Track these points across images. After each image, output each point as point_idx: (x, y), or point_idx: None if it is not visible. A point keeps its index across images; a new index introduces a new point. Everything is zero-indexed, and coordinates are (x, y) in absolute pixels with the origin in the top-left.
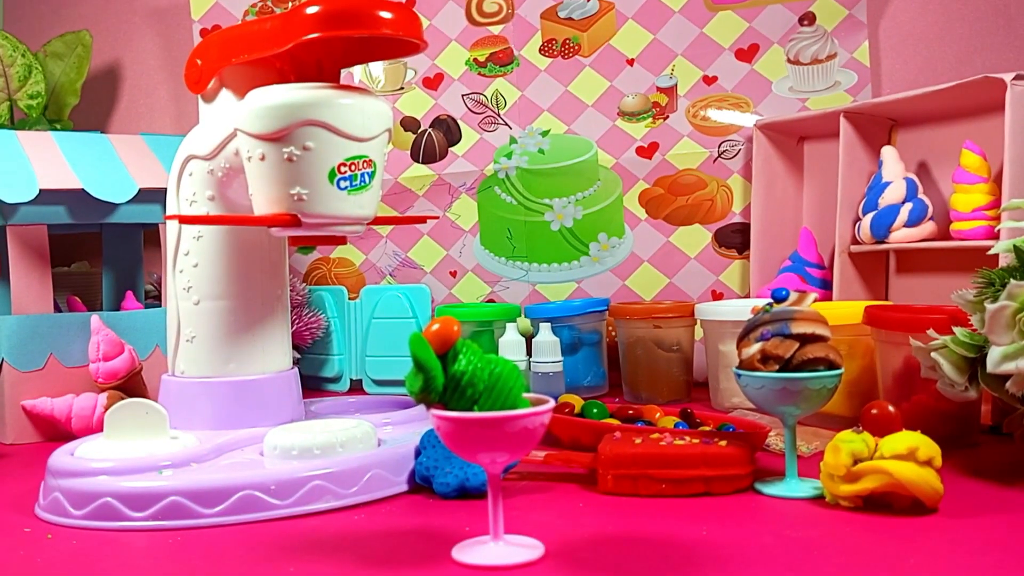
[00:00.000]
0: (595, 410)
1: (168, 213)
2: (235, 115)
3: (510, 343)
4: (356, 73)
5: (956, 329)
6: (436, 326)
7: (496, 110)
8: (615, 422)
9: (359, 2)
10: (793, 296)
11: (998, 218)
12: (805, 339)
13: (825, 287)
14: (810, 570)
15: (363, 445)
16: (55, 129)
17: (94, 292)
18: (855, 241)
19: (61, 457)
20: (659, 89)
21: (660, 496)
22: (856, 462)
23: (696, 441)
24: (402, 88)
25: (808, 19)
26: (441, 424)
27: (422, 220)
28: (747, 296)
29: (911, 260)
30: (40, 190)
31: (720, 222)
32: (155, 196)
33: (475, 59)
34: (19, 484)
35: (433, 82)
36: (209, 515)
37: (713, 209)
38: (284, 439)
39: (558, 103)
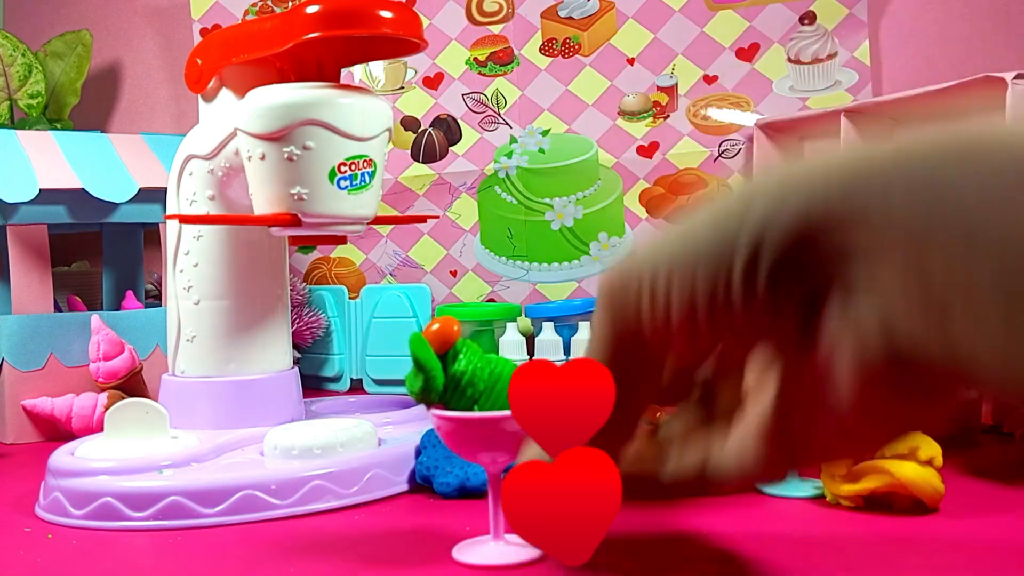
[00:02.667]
0: None
1: (168, 213)
2: (235, 115)
3: (510, 343)
4: (356, 73)
5: None
6: (436, 326)
7: (496, 109)
8: None
9: (359, 2)
10: None
11: None
12: None
13: None
14: (810, 570)
15: (363, 445)
16: (55, 129)
17: (94, 292)
18: None
19: (61, 457)
20: (659, 88)
21: None
22: (856, 462)
23: None
24: (402, 87)
25: (809, 18)
26: (441, 424)
27: (422, 220)
28: None
29: None
30: (40, 190)
31: None
32: (155, 196)
33: (475, 58)
34: (19, 484)
35: (433, 81)
36: (209, 515)
37: None
38: (284, 439)
39: (558, 102)
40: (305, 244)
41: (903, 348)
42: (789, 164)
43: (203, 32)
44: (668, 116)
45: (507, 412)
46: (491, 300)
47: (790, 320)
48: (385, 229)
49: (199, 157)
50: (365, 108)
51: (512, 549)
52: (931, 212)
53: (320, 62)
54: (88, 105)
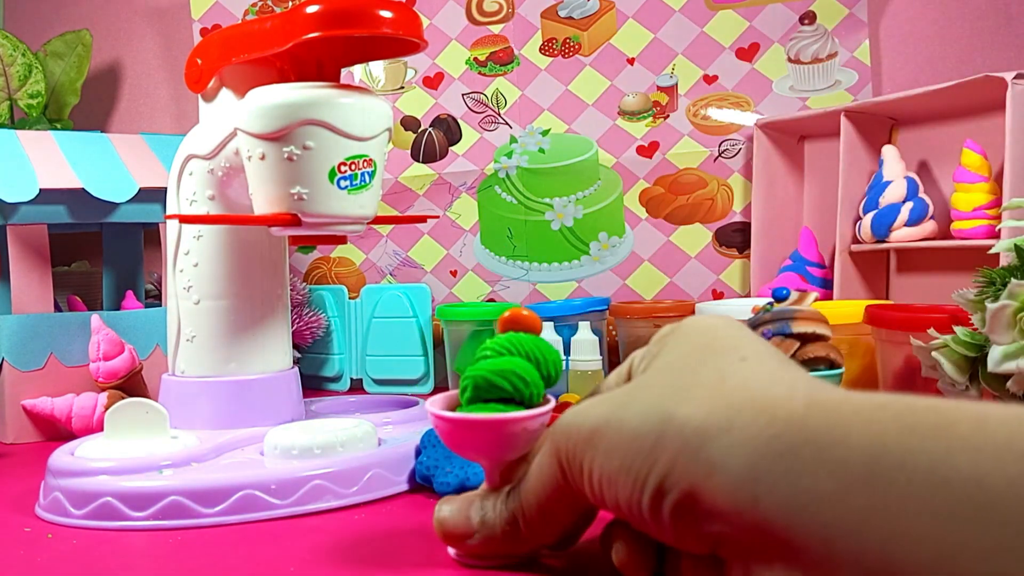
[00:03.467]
0: None
1: (168, 212)
2: (235, 114)
3: None
4: (356, 72)
5: (957, 328)
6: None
7: (496, 109)
8: None
9: (359, 1)
10: (794, 295)
11: (999, 217)
12: (806, 338)
13: (826, 286)
14: None
15: (363, 445)
16: (55, 128)
17: (94, 291)
18: (856, 240)
19: (61, 457)
20: (659, 88)
21: None
22: None
23: None
24: (402, 87)
25: (808, 18)
26: (436, 424)
27: (422, 219)
28: (748, 295)
29: (912, 259)
30: (40, 189)
31: (721, 221)
32: (155, 195)
33: (475, 58)
34: (19, 484)
35: (433, 81)
36: (209, 515)
37: (713, 208)
38: (284, 438)
39: (558, 102)
40: (305, 244)
41: None
42: (715, 397)
43: (203, 32)
44: (668, 116)
45: (498, 415)
46: (491, 300)
47: (696, 549)
48: (385, 229)
49: (199, 157)
50: (365, 108)
51: None
52: (796, 513)
53: (320, 62)
54: (88, 105)
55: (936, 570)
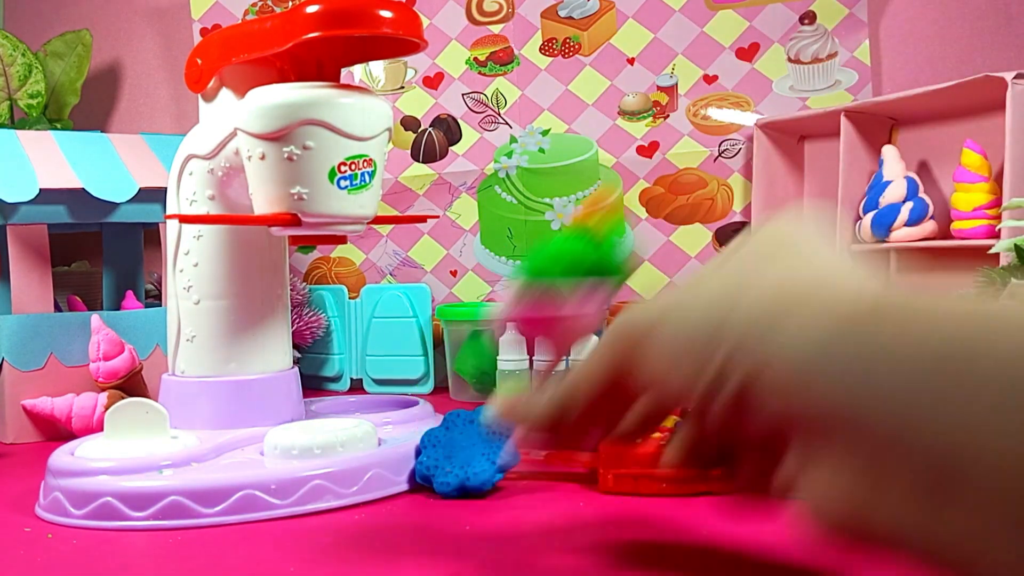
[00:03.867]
0: None
1: (168, 212)
2: (235, 114)
3: (510, 342)
4: (356, 72)
5: None
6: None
7: (496, 109)
8: None
9: (359, 2)
10: None
11: (999, 217)
12: None
13: None
14: (810, 569)
15: (363, 445)
16: (55, 128)
17: (94, 292)
18: (856, 240)
19: (61, 457)
20: (659, 88)
21: (660, 496)
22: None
23: None
24: (402, 87)
25: (809, 18)
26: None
27: (422, 219)
28: None
29: (912, 259)
30: (40, 189)
31: (721, 221)
32: (155, 195)
33: (475, 58)
34: (19, 484)
35: (433, 81)
36: (209, 515)
37: (714, 208)
38: (284, 438)
39: (558, 102)
40: (305, 244)
41: (834, 523)
42: (783, 277)
43: (203, 32)
44: (668, 116)
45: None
46: (491, 300)
47: (752, 433)
48: (385, 229)
49: (199, 157)
50: (365, 108)
51: None
52: (864, 399)
53: (320, 62)
54: (88, 105)
55: (1011, 465)
